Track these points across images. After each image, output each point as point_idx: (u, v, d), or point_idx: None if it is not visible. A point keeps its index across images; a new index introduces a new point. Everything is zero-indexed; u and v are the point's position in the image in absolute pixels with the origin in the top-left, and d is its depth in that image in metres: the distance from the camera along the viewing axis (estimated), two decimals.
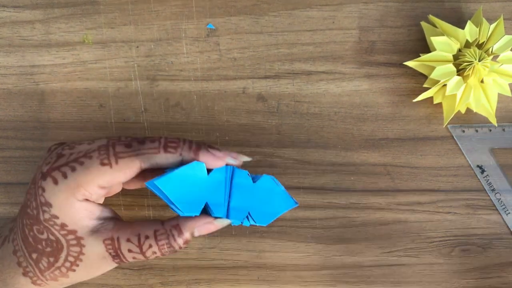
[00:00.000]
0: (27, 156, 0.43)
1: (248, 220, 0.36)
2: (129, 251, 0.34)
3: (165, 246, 0.34)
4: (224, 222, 0.35)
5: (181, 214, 0.34)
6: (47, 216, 0.33)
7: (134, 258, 0.35)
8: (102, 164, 0.33)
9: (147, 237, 0.34)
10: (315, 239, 0.43)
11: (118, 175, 0.33)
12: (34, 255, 0.35)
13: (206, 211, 0.36)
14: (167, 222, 0.35)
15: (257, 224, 0.35)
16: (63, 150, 0.35)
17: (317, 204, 0.42)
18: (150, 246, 0.34)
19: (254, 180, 0.35)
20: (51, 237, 0.34)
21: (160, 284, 0.42)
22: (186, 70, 0.43)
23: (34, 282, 0.35)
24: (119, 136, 0.35)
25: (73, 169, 0.33)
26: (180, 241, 0.35)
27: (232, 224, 0.36)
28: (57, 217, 0.33)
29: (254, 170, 0.42)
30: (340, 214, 0.42)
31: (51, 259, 0.34)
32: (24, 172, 0.43)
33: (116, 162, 0.33)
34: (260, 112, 0.43)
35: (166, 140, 0.34)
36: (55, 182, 0.33)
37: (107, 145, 0.34)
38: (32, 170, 0.42)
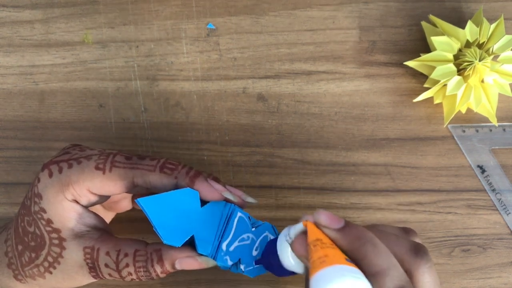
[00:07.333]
0: (27, 156, 0.42)
1: (236, 267, 0.33)
2: (106, 265, 0.33)
3: (142, 270, 0.33)
4: (209, 263, 0.33)
5: (162, 241, 0.32)
6: (36, 208, 0.33)
7: (110, 275, 0.33)
8: (97, 168, 0.33)
9: (126, 255, 0.33)
10: None
11: (109, 183, 0.33)
12: (20, 247, 0.34)
13: (193, 246, 0.33)
14: (151, 245, 0.33)
15: (244, 274, 0.33)
16: (73, 150, 0.35)
17: (317, 204, 0.42)
18: (127, 265, 0.33)
19: (253, 225, 0.33)
20: (37, 231, 0.33)
21: (160, 284, 0.42)
22: (186, 70, 0.43)
23: (15, 276, 0.35)
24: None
25: (70, 166, 0.33)
26: (158, 268, 0.33)
27: (220, 267, 0.33)
28: (44, 211, 0.33)
29: (254, 170, 0.42)
30: (341, 214, 0.42)
31: (33, 255, 0.34)
32: (24, 172, 0.42)
33: (110, 170, 0.33)
34: (260, 112, 0.43)
35: (165, 161, 0.33)
36: (50, 175, 0.33)
37: (110, 153, 0.34)
38: (32, 170, 0.42)
